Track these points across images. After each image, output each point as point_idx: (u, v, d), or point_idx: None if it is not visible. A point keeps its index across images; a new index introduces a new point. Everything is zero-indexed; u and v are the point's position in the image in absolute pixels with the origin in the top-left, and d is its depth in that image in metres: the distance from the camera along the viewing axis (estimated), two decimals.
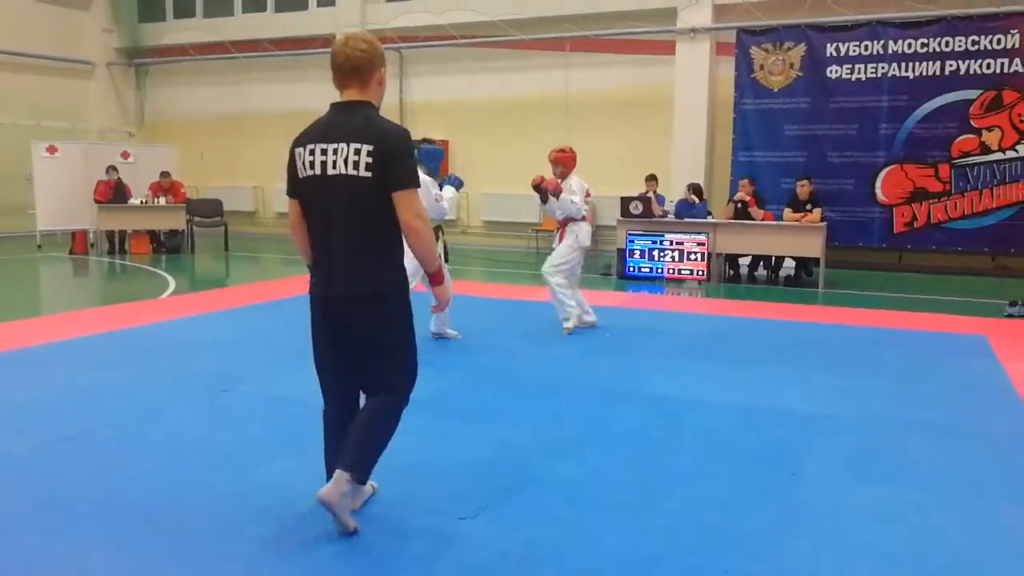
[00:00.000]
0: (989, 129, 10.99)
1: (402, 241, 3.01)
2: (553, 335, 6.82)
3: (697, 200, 10.72)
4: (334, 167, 2.92)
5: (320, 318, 3.12)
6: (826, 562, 2.91)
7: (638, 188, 11.35)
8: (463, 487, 3.54)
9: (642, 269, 10.52)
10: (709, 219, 10.58)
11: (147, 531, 3.11)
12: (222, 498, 3.43)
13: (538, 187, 6.80)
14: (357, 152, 2.88)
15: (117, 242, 13.31)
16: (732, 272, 10.94)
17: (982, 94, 10.94)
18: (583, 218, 6.88)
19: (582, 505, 3.39)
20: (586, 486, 3.60)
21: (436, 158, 6.48)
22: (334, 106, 3.05)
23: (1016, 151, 10.91)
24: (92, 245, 13.46)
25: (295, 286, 9.58)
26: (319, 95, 15.26)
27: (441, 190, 6.15)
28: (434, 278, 3.14)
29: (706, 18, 12.42)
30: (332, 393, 3.19)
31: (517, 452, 3.99)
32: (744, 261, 11.01)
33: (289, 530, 3.13)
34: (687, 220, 10.48)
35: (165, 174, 13.46)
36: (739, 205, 10.52)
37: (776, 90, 11.98)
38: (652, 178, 11.32)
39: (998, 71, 10.83)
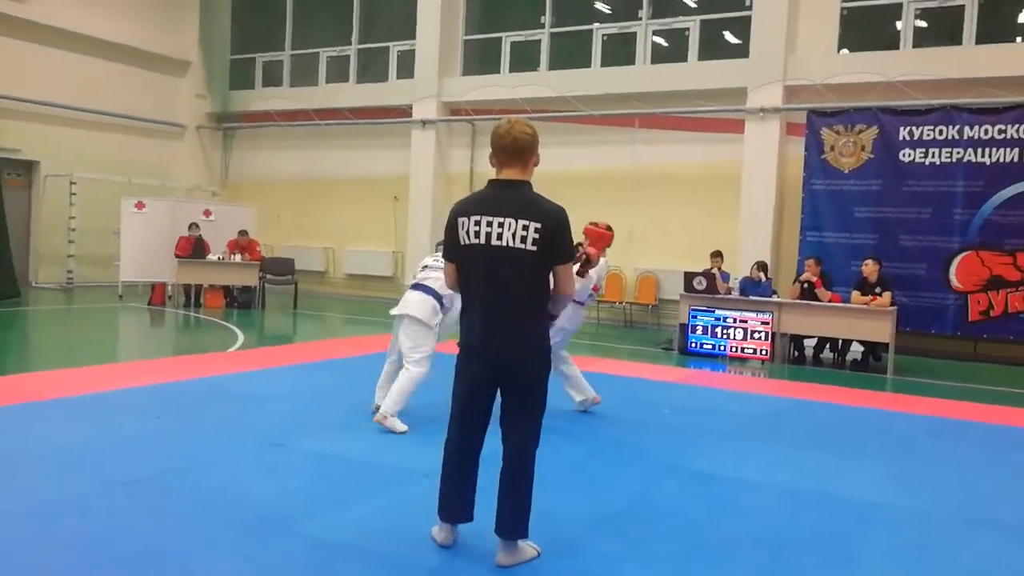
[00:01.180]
0: None
1: (547, 304, 3.45)
2: (610, 408, 6.75)
3: (764, 278, 10.60)
4: (499, 239, 3.29)
5: (475, 366, 3.44)
6: None
7: (703, 264, 11.30)
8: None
9: (704, 346, 10.38)
10: (774, 298, 10.43)
11: None
12: (267, 553, 3.48)
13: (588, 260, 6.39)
14: (525, 228, 3.26)
15: (193, 295, 13.82)
16: (797, 353, 10.70)
17: None
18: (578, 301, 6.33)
19: None
20: (625, 563, 3.52)
21: None
22: (494, 182, 3.42)
23: None
24: (170, 297, 14.00)
25: (356, 346, 9.78)
26: (391, 161, 15.95)
27: None
28: (552, 317, 3.58)
29: (776, 99, 12.48)
30: (469, 432, 3.51)
31: (559, 524, 3.93)
32: (810, 343, 10.78)
33: None
34: (752, 298, 10.35)
35: (243, 232, 14.00)
36: (805, 285, 10.35)
37: (847, 171, 11.88)
38: (717, 254, 11.27)
39: None
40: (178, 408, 6.07)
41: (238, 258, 13.76)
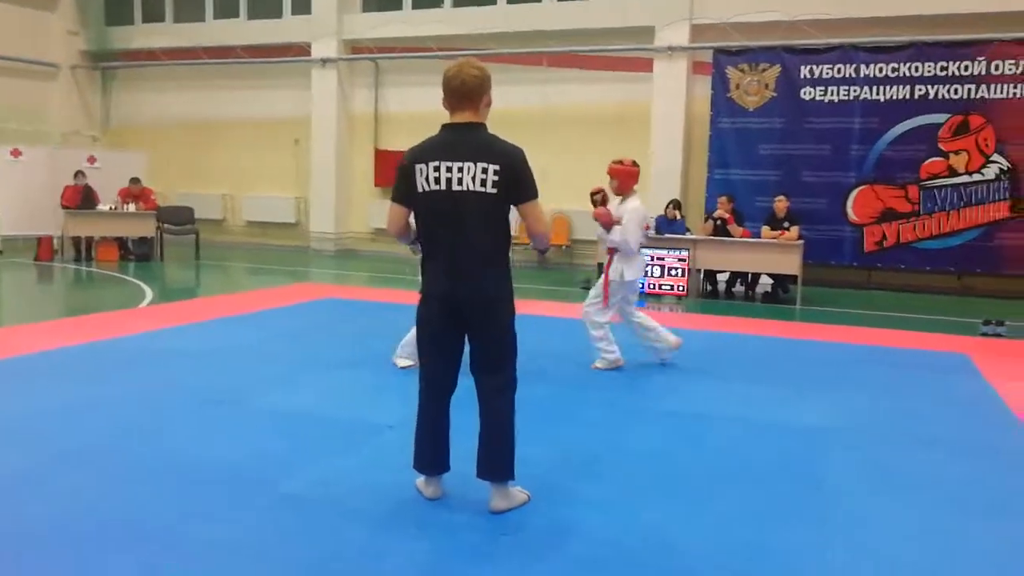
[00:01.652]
0: (956, 152, 11.35)
1: (510, 248, 3.45)
2: (554, 349, 6.80)
3: (678, 216, 10.85)
4: (460, 184, 3.26)
5: (438, 315, 3.40)
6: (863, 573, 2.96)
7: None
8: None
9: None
10: (689, 235, 10.71)
11: (175, 555, 3.03)
12: (252, 517, 3.36)
13: (593, 196, 6.36)
14: (484, 171, 3.24)
15: (84, 249, 12.97)
16: (710, 288, 11.08)
17: (950, 118, 11.30)
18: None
19: (617, 525, 3.38)
20: (617, 505, 3.59)
21: None
22: (449, 127, 3.37)
23: (982, 174, 11.28)
24: (56, 251, 13.09)
25: (273, 297, 9.47)
26: (290, 102, 15.27)
27: None
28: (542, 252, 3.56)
29: (683, 38, 12.62)
30: (438, 382, 3.49)
31: (541, 470, 3.95)
32: (722, 277, 11.17)
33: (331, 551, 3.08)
34: (668, 236, 10.59)
35: (135, 180, 13.17)
36: (718, 222, 10.67)
37: (751, 110, 12.22)
38: None
39: (965, 96, 11.20)
40: (104, 370, 5.73)
41: (131, 207, 12.96)
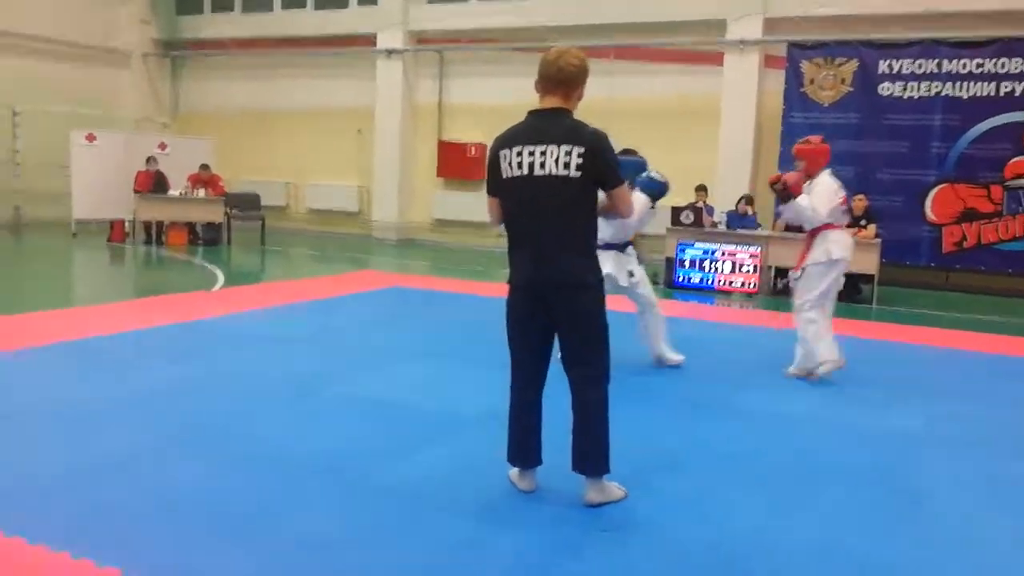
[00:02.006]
0: None
1: (597, 235, 3.37)
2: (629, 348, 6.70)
3: (750, 211, 10.65)
4: (542, 167, 3.20)
5: (523, 304, 3.36)
6: None
7: (684, 198, 11.26)
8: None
9: (692, 279, 10.44)
10: (761, 231, 10.50)
11: (284, 548, 3.03)
12: (358, 509, 3.35)
13: (773, 185, 5.67)
14: (568, 154, 3.18)
15: (154, 233, 13.23)
16: (781, 285, 10.84)
17: None
18: (836, 225, 5.65)
19: (710, 521, 3.30)
20: (711, 503, 3.50)
21: (629, 170, 5.32)
22: (534, 112, 3.32)
23: None
24: (127, 235, 13.37)
25: (343, 284, 9.53)
26: (354, 92, 15.36)
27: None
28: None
29: (756, 31, 12.36)
30: (525, 374, 3.44)
31: (628, 466, 3.86)
32: (794, 275, 10.89)
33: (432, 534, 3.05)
34: (739, 232, 10.40)
35: (205, 166, 13.39)
36: None
37: (826, 105, 11.92)
38: (702, 188, 11.26)
39: None
40: (190, 352, 5.81)
41: (201, 193, 13.18)
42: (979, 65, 11.10)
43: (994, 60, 11.03)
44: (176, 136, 15.95)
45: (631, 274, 5.87)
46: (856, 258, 9.89)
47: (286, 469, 3.67)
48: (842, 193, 5.67)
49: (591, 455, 3.35)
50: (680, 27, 12.82)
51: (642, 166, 5.94)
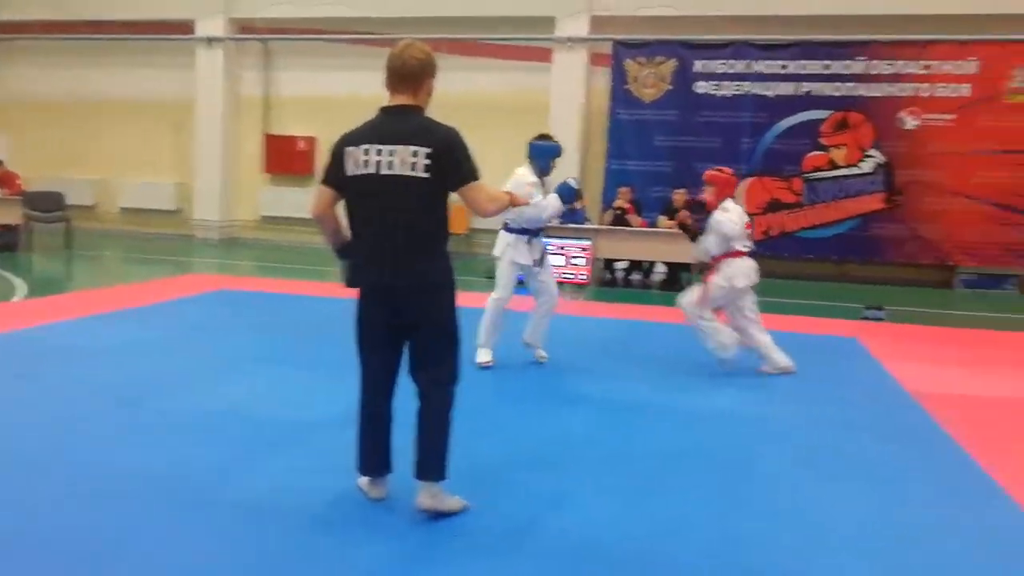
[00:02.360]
0: (837, 147, 12.01)
1: (448, 236, 3.30)
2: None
3: (579, 206, 10.96)
4: (390, 168, 3.13)
5: (373, 308, 3.28)
6: (820, 557, 3.07)
7: None
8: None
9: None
10: (589, 224, 10.86)
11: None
12: (198, 528, 3.15)
13: (683, 227, 6.24)
14: (415, 154, 3.11)
15: None
16: (610, 276, 11.29)
17: (831, 114, 11.94)
18: (740, 252, 6.08)
19: (570, 512, 3.38)
20: (570, 496, 3.59)
21: (548, 155, 5.96)
22: (385, 109, 3.25)
23: (859, 168, 11.98)
24: None
25: (165, 289, 8.95)
26: (172, 83, 14.44)
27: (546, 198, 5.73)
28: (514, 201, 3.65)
29: (583, 29, 12.75)
30: (375, 381, 3.36)
31: (485, 465, 3.90)
32: (620, 265, 11.40)
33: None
34: (569, 226, 10.71)
35: None
36: (618, 212, 10.88)
37: (648, 102, 12.50)
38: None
39: (846, 94, 11.86)
40: None
41: None
42: (783, 66, 12.02)
43: (795, 62, 11.98)
44: None
45: (539, 261, 6.06)
46: (675, 248, 10.55)
47: (112, 494, 3.38)
48: (746, 218, 6.16)
49: (430, 459, 3.27)
50: (511, 23, 13.00)
51: (556, 151, 6.10)
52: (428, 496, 3.26)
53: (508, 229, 5.99)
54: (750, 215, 11.70)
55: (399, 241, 3.17)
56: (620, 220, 10.90)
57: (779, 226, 12.30)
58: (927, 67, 11.61)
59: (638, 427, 4.65)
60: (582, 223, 10.93)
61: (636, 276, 11.49)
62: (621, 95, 12.57)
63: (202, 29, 14.19)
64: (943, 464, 4.22)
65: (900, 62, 11.67)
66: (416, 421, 3.30)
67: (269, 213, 14.57)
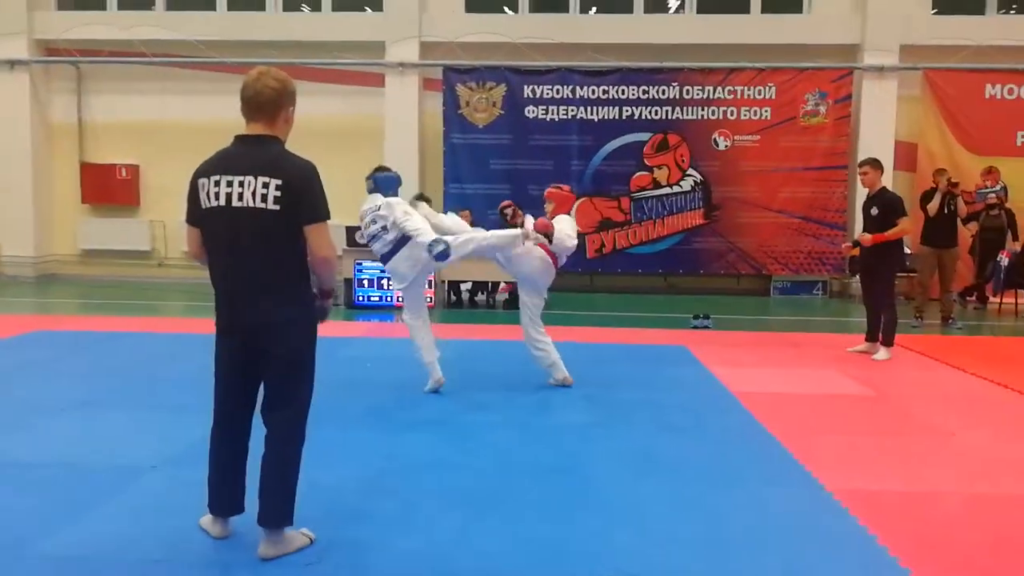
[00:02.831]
0: (659, 167, 12.77)
1: (306, 271, 3.19)
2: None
3: None
4: (240, 199, 3.05)
5: (226, 346, 3.24)
6: (654, 554, 3.28)
7: (356, 217, 11.35)
8: None
9: (371, 298, 10.59)
10: None
11: None
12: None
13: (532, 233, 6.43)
14: (265, 186, 3.04)
15: None
16: (455, 298, 11.42)
17: (652, 136, 12.70)
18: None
19: (416, 533, 3.43)
20: (415, 517, 3.63)
21: (393, 185, 6.23)
22: (239, 138, 3.19)
23: (680, 186, 12.79)
24: None
25: None
26: None
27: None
28: (325, 293, 3.30)
29: (413, 54, 12.88)
30: (228, 420, 3.29)
31: (329, 493, 3.87)
32: (465, 287, 11.56)
33: None
34: None
35: None
36: None
37: (481, 126, 12.79)
38: None
39: (664, 117, 12.66)
40: None
41: None
42: (605, 92, 12.67)
43: (616, 87, 12.66)
44: None
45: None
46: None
47: None
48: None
49: (272, 505, 3.18)
50: (341, 47, 12.93)
51: (399, 180, 6.38)
52: (269, 545, 3.19)
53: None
54: (583, 234, 12.47)
55: (250, 276, 3.11)
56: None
57: (611, 243, 12.90)
58: (732, 92, 12.60)
59: (477, 444, 4.76)
60: None
61: (480, 297, 11.68)
62: (455, 119, 12.80)
63: (2, 51, 13.14)
64: (762, 456, 4.61)
65: (709, 87, 12.60)
66: (261, 467, 3.21)
67: (90, 246, 13.65)
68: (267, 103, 3.14)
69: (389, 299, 10.60)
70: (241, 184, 3.05)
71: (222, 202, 3.07)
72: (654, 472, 4.30)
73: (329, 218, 3.16)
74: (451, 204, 12.34)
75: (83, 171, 13.47)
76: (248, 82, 3.15)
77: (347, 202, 11.94)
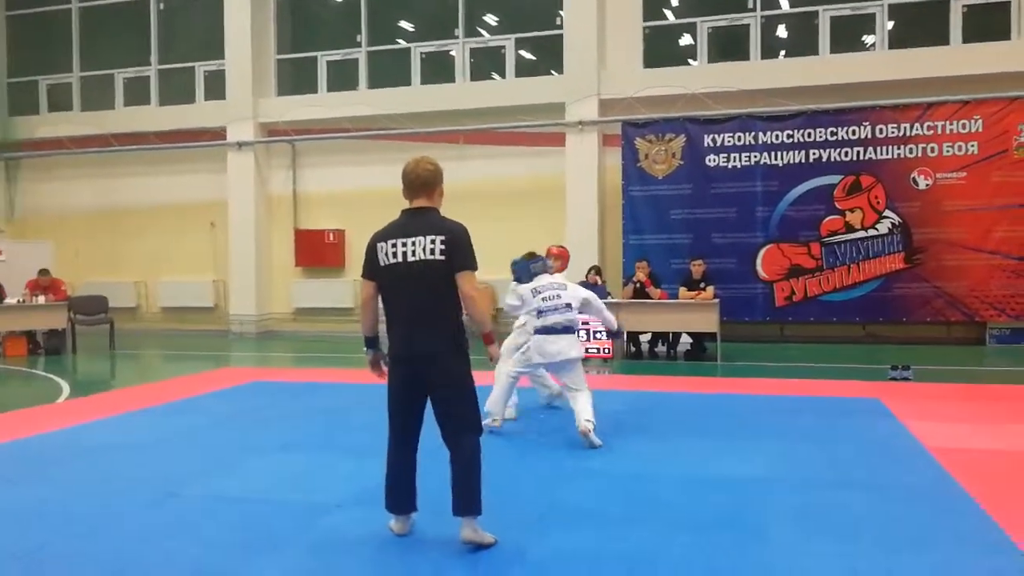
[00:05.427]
0: (851, 210, 12.16)
1: (462, 310, 3.88)
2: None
3: (599, 281, 11.20)
4: (413, 255, 3.81)
5: (400, 372, 3.89)
6: None
7: None
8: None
9: None
10: (611, 299, 11.04)
11: None
12: None
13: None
14: (433, 241, 3.80)
15: None
16: (634, 349, 11.40)
17: (843, 179, 12.14)
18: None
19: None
20: (572, 565, 3.69)
21: (525, 271, 6.40)
22: (406, 211, 3.94)
23: (876, 229, 12.09)
24: None
25: (198, 384, 9.26)
26: (205, 186, 15.15)
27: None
28: (486, 338, 4.00)
29: (592, 112, 13.23)
30: (401, 434, 3.95)
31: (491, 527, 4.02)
32: (644, 338, 11.52)
33: None
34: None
35: (44, 271, 12.77)
36: (637, 285, 11.07)
37: (660, 178, 12.83)
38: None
39: (855, 158, 12.09)
40: (34, 469, 5.51)
41: (41, 299, 12.53)
42: (789, 136, 12.32)
43: (801, 131, 12.27)
44: (12, 241, 15.18)
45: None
46: (698, 318, 10.72)
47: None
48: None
49: (465, 497, 3.81)
50: (523, 111, 13.53)
51: (528, 267, 6.43)
52: (471, 531, 3.82)
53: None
54: (771, 281, 12.09)
55: (422, 314, 3.82)
56: (640, 293, 11.08)
57: (801, 291, 12.37)
58: (932, 128, 11.80)
59: (643, 496, 4.72)
60: (604, 298, 11.10)
61: (661, 348, 11.59)
62: (634, 172, 12.93)
63: (233, 134, 14.95)
64: (953, 516, 4.23)
65: (905, 124, 11.89)
66: (451, 467, 3.85)
67: (302, 304, 15.02)
68: (426, 183, 3.91)
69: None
70: (414, 243, 3.81)
71: (399, 259, 3.82)
72: (826, 531, 4.07)
73: (475, 269, 3.86)
74: (631, 255, 12.44)
75: (297, 237, 14.91)
76: (408, 169, 3.92)
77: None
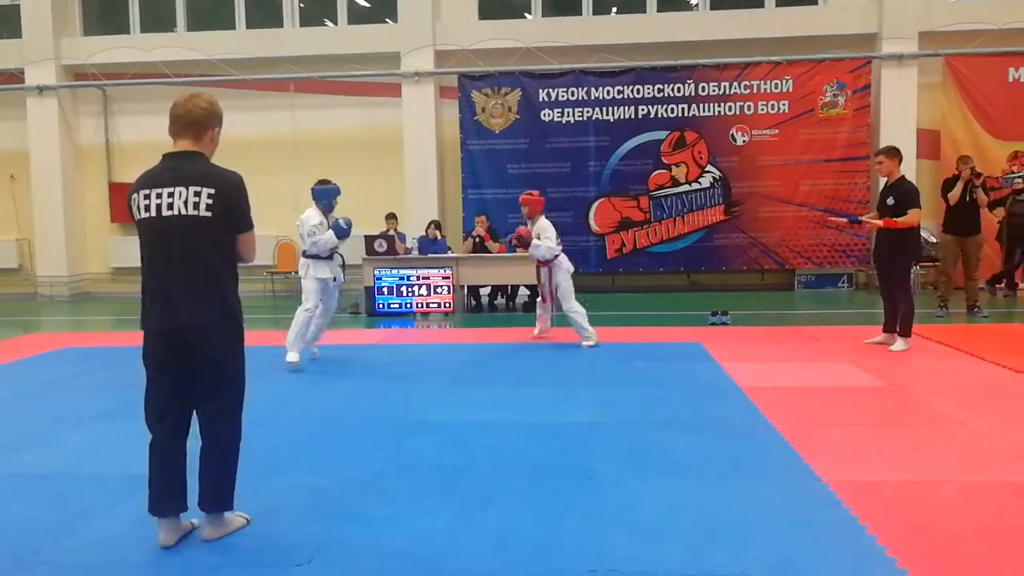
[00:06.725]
0: (677, 165, 12.75)
1: (236, 274, 3.42)
2: (328, 377, 6.76)
3: (439, 236, 11.17)
4: (170, 208, 3.24)
5: (157, 350, 3.36)
6: (644, 550, 3.31)
7: (376, 226, 11.53)
8: (286, 538, 3.49)
9: (391, 305, 10.72)
10: (451, 253, 11.06)
11: None
12: None
13: (513, 241, 8.25)
14: (197, 194, 3.24)
15: None
16: (475, 302, 11.50)
17: (669, 134, 12.68)
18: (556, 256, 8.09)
19: (408, 536, 3.49)
20: (406, 519, 3.70)
21: (330, 195, 7.27)
22: (167, 155, 3.37)
23: (699, 183, 12.75)
24: None
25: (3, 351, 8.49)
26: (1, 136, 13.70)
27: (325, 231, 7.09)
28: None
29: (428, 63, 13.03)
30: (165, 421, 3.41)
31: (326, 498, 3.96)
32: (484, 291, 11.64)
33: None
34: (431, 256, 10.87)
35: None
36: (476, 239, 11.14)
37: (498, 132, 12.89)
38: (392, 216, 11.60)
39: (681, 115, 12.64)
40: None
41: None
42: (620, 92, 12.68)
43: (631, 87, 12.66)
44: None
45: (334, 278, 7.34)
46: (534, 271, 10.88)
47: None
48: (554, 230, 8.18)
49: (214, 489, 3.41)
50: (357, 59, 13.13)
51: (334, 192, 7.33)
52: (212, 529, 3.44)
53: (305, 255, 7.27)
54: (603, 234, 12.51)
55: (182, 280, 3.27)
56: (480, 247, 11.15)
57: (631, 243, 12.89)
58: (749, 87, 12.52)
59: (478, 445, 4.80)
60: (444, 252, 11.10)
61: (500, 300, 11.75)
62: (471, 126, 12.91)
63: (32, 78, 13.57)
64: (760, 450, 4.59)
65: (725, 83, 12.54)
66: (200, 454, 3.42)
67: (121, 264, 14.02)
68: (196, 122, 3.34)
69: (408, 306, 10.72)
70: (171, 195, 3.24)
71: (152, 213, 3.26)
72: (650, 469, 4.31)
73: (252, 228, 3.44)
74: (470, 210, 12.46)
75: (112, 191, 13.84)
76: (179, 103, 3.35)
77: (366, 211, 12.21)
